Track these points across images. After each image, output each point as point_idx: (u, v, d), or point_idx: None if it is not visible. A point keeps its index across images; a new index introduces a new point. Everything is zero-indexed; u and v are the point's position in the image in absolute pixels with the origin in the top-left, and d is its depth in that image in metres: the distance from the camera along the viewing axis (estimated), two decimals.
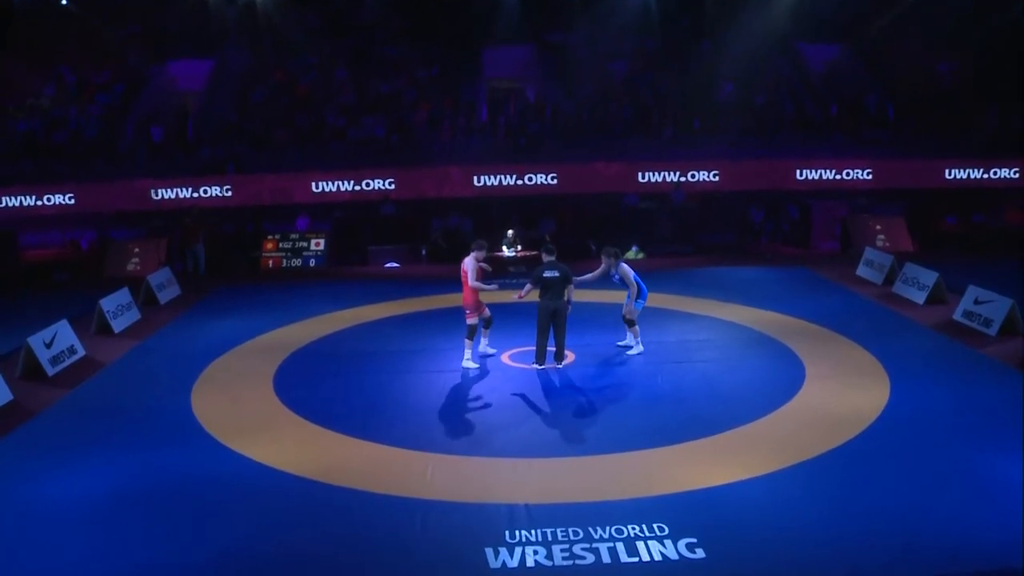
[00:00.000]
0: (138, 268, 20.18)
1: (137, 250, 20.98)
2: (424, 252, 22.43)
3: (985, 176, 25.77)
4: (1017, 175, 25.67)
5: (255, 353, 13.70)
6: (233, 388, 11.97)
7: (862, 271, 18.18)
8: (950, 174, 25.73)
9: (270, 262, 22.03)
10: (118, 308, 15.46)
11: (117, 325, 15.15)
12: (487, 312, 12.78)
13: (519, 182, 25.90)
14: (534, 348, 12.56)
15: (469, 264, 12.28)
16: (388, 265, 21.57)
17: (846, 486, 8.49)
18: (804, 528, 7.66)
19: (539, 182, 25.93)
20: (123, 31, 29.98)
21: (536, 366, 12.40)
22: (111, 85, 28.96)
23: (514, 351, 13.23)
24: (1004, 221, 24.83)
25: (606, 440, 9.82)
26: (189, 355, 13.61)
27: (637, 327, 13.02)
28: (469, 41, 30.03)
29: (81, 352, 13.49)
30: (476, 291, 12.41)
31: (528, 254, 20.87)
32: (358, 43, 30.58)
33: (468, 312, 12.51)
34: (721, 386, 11.64)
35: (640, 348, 13.00)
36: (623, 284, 12.74)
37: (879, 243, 19.54)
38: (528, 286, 12.29)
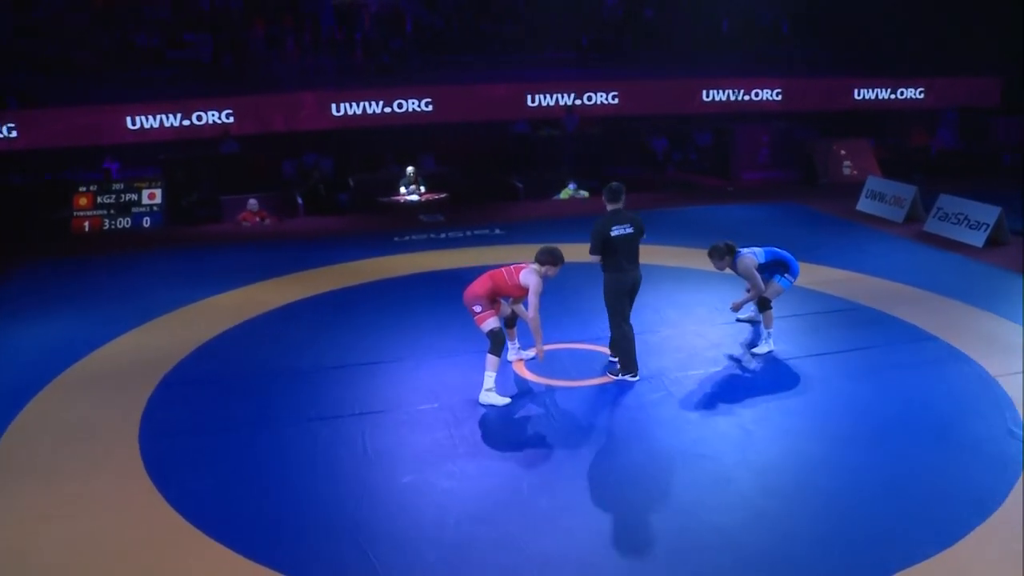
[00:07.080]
0: None
1: None
2: (301, 202, 16.37)
3: (892, 96, 22.76)
4: (923, 95, 22.81)
5: (95, 386, 7.74)
6: (65, 476, 6.12)
7: (865, 205, 14.07)
8: (859, 94, 22.51)
9: (86, 224, 15.28)
10: None
11: None
12: (506, 308, 7.48)
13: (387, 110, 20.51)
14: (565, 346, 7.60)
15: (531, 280, 6.97)
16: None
17: None
18: None
19: (411, 109, 20.60)
20: None
21: (629, 377, 7.42)
22: None
23: (530, 352, 7.83)
24: (910, 143, 21.96)
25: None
26: None
27: (771, 312, 8.16)
28: None
29: None
30: (493, 287, 7.10)
31: (435, 197, 15.56)
32: None
33: (480, 312, 7.01)
34: (879, 413, 6.87)
35: (770, 346, 8.11)
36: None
37: (846, 171, 15.58)
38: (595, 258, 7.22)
